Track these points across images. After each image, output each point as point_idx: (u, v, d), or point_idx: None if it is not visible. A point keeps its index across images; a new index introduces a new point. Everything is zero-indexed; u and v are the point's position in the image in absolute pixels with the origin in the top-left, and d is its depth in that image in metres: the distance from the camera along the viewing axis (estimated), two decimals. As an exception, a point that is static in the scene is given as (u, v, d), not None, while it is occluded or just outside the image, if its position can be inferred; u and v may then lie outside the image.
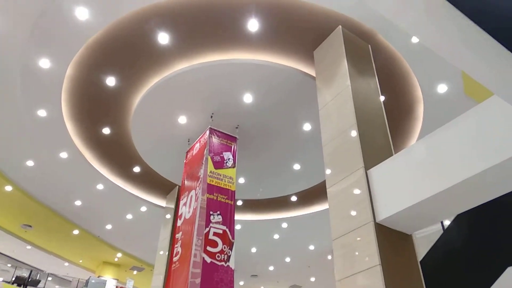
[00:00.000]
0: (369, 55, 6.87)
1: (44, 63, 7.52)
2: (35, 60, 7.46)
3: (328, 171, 5.68)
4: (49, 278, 14.63)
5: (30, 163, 10.55)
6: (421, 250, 5.88)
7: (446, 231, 6.03)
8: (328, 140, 5.93)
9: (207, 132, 8.51)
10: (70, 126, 9.35)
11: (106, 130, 9.44)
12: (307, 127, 8.92)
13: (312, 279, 17.00)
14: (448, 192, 4.07)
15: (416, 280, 4.52)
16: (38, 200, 12.37)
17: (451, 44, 2.62)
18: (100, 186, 11.41)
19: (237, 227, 12.55)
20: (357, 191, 4.99)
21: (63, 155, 10.17)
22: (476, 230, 5.61)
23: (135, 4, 6.55)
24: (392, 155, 5.44)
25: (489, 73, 2.81)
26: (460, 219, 5.72)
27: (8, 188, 11.62)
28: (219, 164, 8.32)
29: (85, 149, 10.15)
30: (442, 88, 7.68)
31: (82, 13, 6.61)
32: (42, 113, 8.78)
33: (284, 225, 13.10)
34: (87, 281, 13.74)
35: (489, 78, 2.88)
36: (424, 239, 7.06)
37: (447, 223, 6.50)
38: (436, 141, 4.45)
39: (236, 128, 8.90)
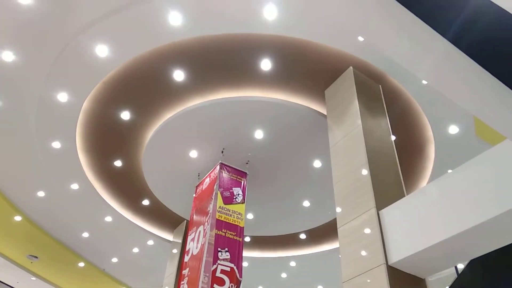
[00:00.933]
0: (380, 95, 6.97)
1: (62, 96, 7.74)
2: (53, 93, 7.69)
3: (338, 210, 5.64)
4: (52, 312, 14.36)
5: (41, 193, 10.63)
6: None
7: (460, 275, 5.86)
8: (339, 178, 5.92)
9: (218, 167, 8.55)
10: (82, 158, 9.48)
11: (118, 163, 9.55)
12: (317, 164, 8.93)
13: (320, 322, 16.39)
14: (462, 236, 4.00)
15: (430, 327, 4.36)
16: (46, 231, 12.35)
17: (463, 90, 2.67)
18: (108, 218, 11.39)
19: (244, 264, 12.31)
20: (368, 231, 4.93)
21: (74, 186, 10.25)
22: (491, 275, 5.44)
23: (153, 42, 6.81)
24: (403, 195, 5.40)
25: (500, 118, 2.84)
26: (474, 262, 5.58)
27: (18, 218, 11.65)
28: (229, 199, 8.30)
29: (96, 181, 10.23)
30: (453, 129, 7.70)
31: (101, 50, 6.88)
32: (56, 145, 8.94)
33: (293, 263, 12.82)
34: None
35: (500, 123, 2.91)
36: (437, 283, 6.86)
37: (460, 266, 6.33)
38: (449, 184, 4.43)
39: (247, 163, 8.94)
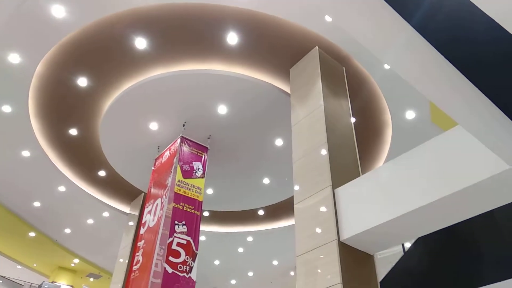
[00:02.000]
0: (343, 77, 7.07)
1: (14, 58, 7.27)
2: (4, 53, 7.20)
3: (296, 187, 5.74)
4: (0, 281, 13.87)
5: (-11, 159, 10.08)
6: (382, 271, 6.02)
7: (406, 253, 6.20)
8: (299, 157, 6.01)
9: (178, 140, 8.43)
10: (35, 124, 9.03)
11: (73, 131, 9.18)
12: (278, 142, 9.01)
13: (274, 294, 16.94)
14: (410, 216, 4.20)
15: (375, 301, 4.60)
16: (-7, 199, 11.80)
17: (421, 76, 2.74)
18: (62, 188, 11.01)
19: (202, 238, 12.39)
20: (323, 209, 5.07)
21: (26, 153, 9.78)
22: (434, 253, 5.79)
23: (114, 6, 6.48)
24: (359, 175, 5.57)
25: (454, 104, 2.95)
26: (420, 242, 5.91)
27: (-38, 184, 11.03)
28: (188, 173, 8.24)
29: (49, 149, 9.80)
30: (410, 115, 7.98)
31: (58, 11, 6.47)
32: (6, 108, 8.45)
33: (250, 238, 13.05)
34: (40, 286, 13.12)
35: (454, 108, 3.02)
36: (385, 260, 7.23)
37: (408, 245, 6.69)
38: (402, 165, 4.61)
39: (208, 138, 8.86)
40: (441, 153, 4.20)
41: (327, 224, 4.89)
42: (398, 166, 4.66)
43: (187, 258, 7.28)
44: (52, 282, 14.80)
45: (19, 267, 15.74)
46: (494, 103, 2.93)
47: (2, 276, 14.12)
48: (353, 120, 6.63)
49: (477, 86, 2.81)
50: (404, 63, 2.72)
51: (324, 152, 5.54)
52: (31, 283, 13.70)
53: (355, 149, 6.09)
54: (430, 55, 2.60)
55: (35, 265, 15.93)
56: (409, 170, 4.46)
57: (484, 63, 2.74)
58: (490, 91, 2.87)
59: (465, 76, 2.75)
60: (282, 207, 11.39)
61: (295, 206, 5.59)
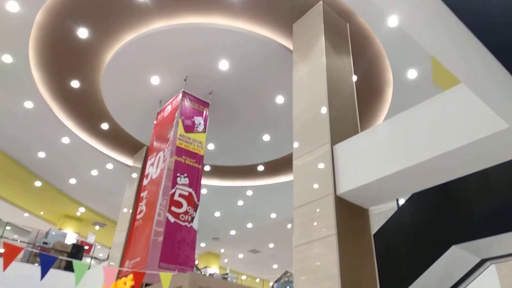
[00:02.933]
0: (347, 33, 6.97)
1: (12, 6, 7.14)
2: (2, 2, 7.07)
3: (295, 144, 5.85)
4: (8, 227, 14.40)
5: (-7, 110, 10.16)
6: (376, 225, 6.27)
7: (400, 209, 6.42)
8: (299, 113, 6.07)
9: (180, 95, 8.46)
10: (37, 75, 9.01)
11: (75, 83, 9.17)
12: (280, 99, 9.03)
13: (271, 245, 17.64)
14: (407, 172, 4.31)
15: (368, 252, 4.84)
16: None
17: (427, 31, 2.72)
18: (65, 140, 11.17)
19: (203, 191, 12.73)
20: (321, 165, 5.20)
21: (28, 104, 9.84)
22: (426, 210, 6.01)
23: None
24: (358, 133, 5.66)
25: (457, 59, 2.94)
26: (414, 198, 6.11)
27: (-32, 134, 11.18)
28: (190, 128, 8.35)
29: (52, 100, 9.85)
30: (412, 74, 7.93)
31: (57, -43, 6.28)
32: (7, 58, 8.40)
33: (249, 192, 13.40)
34: (47, 233, 13.64)
35: (456, 63, 3.00)
36: (380, 215, 7.50)
37: (402, 202, 6.91)
38: (401, 123, 4.67)
39: (210, 94, 8.88)
40: (440, 111, 4.24)
41: (324, 179, 5.04)
42: (396, 124, 4.73)
43: (189, 209, 7.55)
44: (58, 230, 15.38)
45: (26, 214, 16.29)
46: (498, 59, 2.92)
47: (10, 223, 14.63)
48: (354, 78, 6.62)
49: (481, 41, 2.80)
50: (410, 16, 2.68)
51: (324, 109, 5.59)
52: (39, 230, 14.23)
53: (355, 107, 6.14)
54: (434, 7, 2.58)
55: (42, 213, 16.48)
56: (408, 128, 4.52)
57: (490, 18, 2.73)
58: (494, 47, 2.86)
59: (470, 30, 2.74)
60: (281, 163, 11.61)
61: (294, 162, 5.72)
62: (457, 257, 5.47)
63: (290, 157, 6.00)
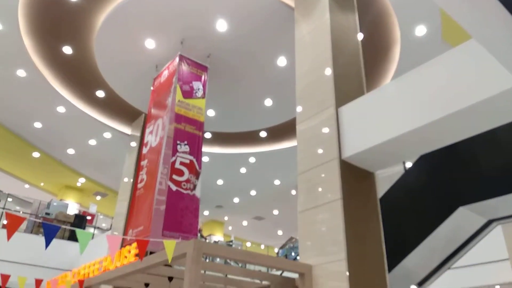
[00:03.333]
0: (352, -12, 6.57)
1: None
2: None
3: (299, 108, 5.63)
4: (9, 199, 14.42)
5: (-16, 79, 9.86)
6: (382, 189, 6.15)
7: (407, 172, 6.28)
8: (302, 74, 5.81)
9: (177, 59, 8.13)
10: (28, 42, 8.66)
11: (67, 49, 8.84)
12: (282, 61, 8.70)
13: (275, 212, 17.73)
14: (415, 133, 4.13)
15: (374, 216, 4.73)
16: (-6, 119, 11.79)
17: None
18: (61, 109, 10.93)
19: (205, 159, 12.61)
20: (326, 128, 5.00)
21: (21, 73, 9.53)
22: (433, 172, 5.86)
23: None
24: (364, 94, 5.42)
25: (468, 12, 2.71)
26: (420, 161, 5.95)
27: (-39, 105, 10.94)
28: (188, 93, 8.08)
29: (44, 68, 9.53)
30: (420, 31, 7.57)
31: None
32: (-5, 25, 8.05)
33: (252, 159, 13.28)
34: (48, 204, 13.66)
35: (467, 17, 2.78)
36: (385, 180, 7.36)
37: (409, 166, 6.75)
38: (409, 82, 4.44)
39: (208, 57, 8.55)
40: (449, 69, 4.02)
41: (329, 143, 4.86)
42: (404, 83, 4.50)
43: (191, 177, 7.42)
44: (60, 200, 15.40)
45: (27, 186, 16.28)
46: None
47: (11, 195, 14.64)
48: (360, 36, 6.29)
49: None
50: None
51: (328, 70, 5.33)
52: (40, 201, 14.25)
53: (361, 67, 5.85)
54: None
55: (42, 184, 16.47)
56: (416, 87, 4.30)
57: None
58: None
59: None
60: (284, 128, 11.40)
61: (297, 126, 5.53)
62: (464, 219, 5.38)
63: (293, 122, 5.79)
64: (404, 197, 5.96)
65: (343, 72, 5.45)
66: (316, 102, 5.35)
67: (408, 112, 4.23)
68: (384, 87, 5.00)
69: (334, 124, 4.91)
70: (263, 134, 11.88)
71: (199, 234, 12.56)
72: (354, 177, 4.75)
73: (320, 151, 4.94)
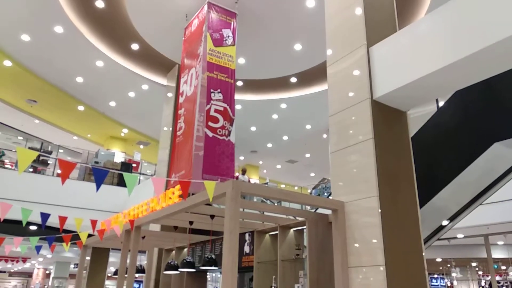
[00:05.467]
0: None
1: None
2: None
3: (329, 50, 5.60)
4: (60, 150, 15.50)
5: (25, 37, 10.30)
6: (414, 129, 6.17)
7: (440, 110, 6.22)
8: (331, 16, 5.71)
9: (205, 7, 8.13)
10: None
11: (99, 3, 9.00)
12: (310, 2, 8.48)
13: (307, 155, 18.02)
14: (451, 68, 4.06)
15: (405, 154, 4.82)
16: (40, 76, 12.41)
17: None
18: (99, 63, 11.33)
19: (238, 107, 12.84)
20: (357, 69, 5.01)
21: (58, 29, 9.87)
22: (468, 108, 5.79)
23: None
24: (396, 31, 5.30)
25: None
26: (454, 98, 5.86)
27: (7, 63, 11.55)
28: (219, 41, 8.15)
29: (80, 23, 9.82)
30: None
31: None
32: (30, -18, 8.27)
33: (283, 105, 13.38)
34: (96, 153, 14.58)
35: None
36: (418, 119, 7.32)
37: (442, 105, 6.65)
38: (442, 17, 4.30)
39: (236, 3, 8.46)
40: (487, 1, 3.85)
41: (360, 83, 4.88)
42: (438, 18, 4.35)
43: (225, 123, 7.71)
44: (107, 150, 16.36)
45: (75, 138, 17.34)
46: None
47: (62, 146, 15.70)
48: (393, -30, 6.00)
49: None
50: None
51: (359, 9, 5.22)
52: (89, 151, 15.23)
53: (393, 2, 5.66)
54: None
55: (89, 135, 17.47)
56: (452, 19, 4.15)
57: None
58: None
59: None
60: (314, 72, 11.31)
61: (327, 67, 5.53)
62: (498, 154, 5.36)
63: (324, 66, 5.78)
64: (437, 135, 5.97)
65: (374, 9, 5.31)
66: (346, 43, 5.30)
67: (445, 47, 4.13)
68: (417, 22, 4.86)
69: (365, 64, 4.90)
70: (293, 79, 11.85)
71: (244, 175, 13.09)
72: (386, 117, 4.80)
73: (351, 91, 4.98)
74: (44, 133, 16.43)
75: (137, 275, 7.11)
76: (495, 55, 3.85)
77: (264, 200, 8.11)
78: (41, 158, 13.55)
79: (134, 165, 15.15)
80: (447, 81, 4.40)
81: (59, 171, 12.61)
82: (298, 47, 10.11)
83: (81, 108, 14.39)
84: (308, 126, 14.89)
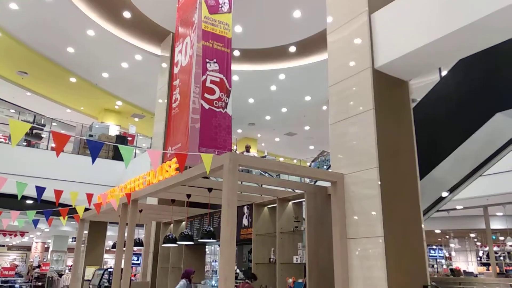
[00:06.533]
0: None
1: None
2: None
3: (329, 18, 5.39)
4: (54, 124, 15.29)
5: (13, 6, 9.91)
6: (416, 99, 6.03)
7: (442, 79, 6.08)
8: (332, -20, 5.46)
9: (200, -29, 7.76)
10: (48, -37, 8.49)
11: (89, -32, 8.61)
12: (310, -33, 8.14)
13: (307, 127, 17.90)
14: (455, 35, 3.91)
15: (406, 125, 4.71)
16: (29, 47, 12.06)
17: None
18: (90, 32, 10.98)
19: (235, 78, 12.60)
20: (358, 36, 4.82)
21: (47, -3, 9.51)
22: (470, 78, 5.65)
23: None
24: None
25: None
26: (457, 67, 5.71)
27: (-4, 33, 11.21)
28: (214, 8, 7.83)
29: (69, -10, 9.43)
30: None
31: None
32: None
33: (282, 76, 13.14)
34: (90, 126, 14.40)
35: None
36: (420, 89, 7.17)
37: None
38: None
39: (232, -33, 8.09)
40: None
41: (361, 52, 4.71)
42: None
43: (222, 95, 7.51)
44: (101, 123, 16.16)
45: (69, 110, 17.09)
46: None
47: (55, 119, 15.49)
48: None
49: None
50: None
51: (361, -28, 4.96)
52: (83, 124, 15.04)
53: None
54: None
55: (82, 108, 17.22)
56: (456, -14, 3.96)
57: None
58: None
59: None
60: (314, 41, 11.03)
61: (328, 37, 5.33)
62: (500, 125, 5.28)
63: (324, 34, 5.57)
64: (439, 105, 5.86)
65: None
66: (347, 10, 5.09)
67: (449, 13, 3.95)
68: (421, -12, 4.64)
69: (366, 31, 4.71)
70: (292, 48, 11.57)
71: (249, 152, 13.01)
72: (387, 86, 4.66)
73: (352, 60, 4.82)
74: (36, 106, 16.17)
75: (135, 248, 7.12)
76: (499, 23, 3.70)
77: (262, 173, 8.04)
78: (34, 131, 13.37)
79: (129, 138, 15.01)
80: (451, 49, 4.25)
81: (53, 145, 12.48)
82: (297, 14, 9.79)
83: (73, 79, 14.08)
84: (308, 98, 14.69)
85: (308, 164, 16.71)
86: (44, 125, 14.48)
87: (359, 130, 4.50)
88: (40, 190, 5.21)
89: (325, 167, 12.26)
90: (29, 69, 13.51)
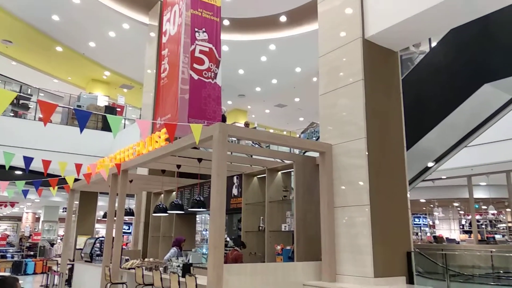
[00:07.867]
0: None
1: None
2: None
3: (320, -16, 5.29)
4: (41, 94, 15.01)
5: (-7, -30, 9.51)
6: (405, 70, 6.04)
7: (431, 51, 6.08)
8: None
9: None
10: None
11: None
12: None
13: (297, 99, 17.86)
14: (441, 6, 3.89)
15: (395, 96, 4.75)
16: (13, 14, 11.66)
17: None
18: (76, -1, 10.64)
19: (224, 48, 12.39)
20: (349, 6, 4.76)
21: (28, -39, 9.11)
22: (459, 50, 5.66)
23: None
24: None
25: None
26: (446, 38, 5.70)
27: (-23, 0, 10.79)
28: (203, -25, 7.62)
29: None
30: None
31: None
32: None
33: (272, 47, 12.97)
34: (78, 97, 14.18)
35: None
36: (409, 61, 7.17)
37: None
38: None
39: None
40: None
41: (352, 22, 4.67)
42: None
43: (211, 65, 7.42)
44: (89, 93, 15.91)
45: (56, 80, 16.74)
46: None
47: (42, 90, 15.19)
48: None
49: None
50: None
51: None
52: (70, 95, 14.79)
53: None
54: None
55: (69, 78, 16.86)
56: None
57: None
58: None
59: None
60: (305, 10, 10.85)
61: (318, 6, 5.26)
62: (488, 96, 5.35)
63: (315, 4, 5.48)
64: (427, 76, 5.88)
65: None
66: (339, -22, 5.00)
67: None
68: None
69: (358, 1, 4.65)
70: (283, 18, 11.37)
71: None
72: (377, 57, 4.66)
73: (342, 30, 4.78)
74: (22, 76, 15.79)
75: (126, 217, 7.20)
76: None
77: (252, 144, 8.08)
78: (21, 101, 13.13)
79: (118, 109, 14.84)
80: (441, 19, 4.22)
81: (41, 115, 12.30)
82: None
83: (59, 49, 13.73)
84: (298, 69, 14.58)
85: (297, 135, 16.79)
86: (31, 95, 14.20)
87: (348, 101, 4.52)
88: (28, 160, 5.19)
89: (314, 138, 12.32)
90: (14, 37, 13.11)
